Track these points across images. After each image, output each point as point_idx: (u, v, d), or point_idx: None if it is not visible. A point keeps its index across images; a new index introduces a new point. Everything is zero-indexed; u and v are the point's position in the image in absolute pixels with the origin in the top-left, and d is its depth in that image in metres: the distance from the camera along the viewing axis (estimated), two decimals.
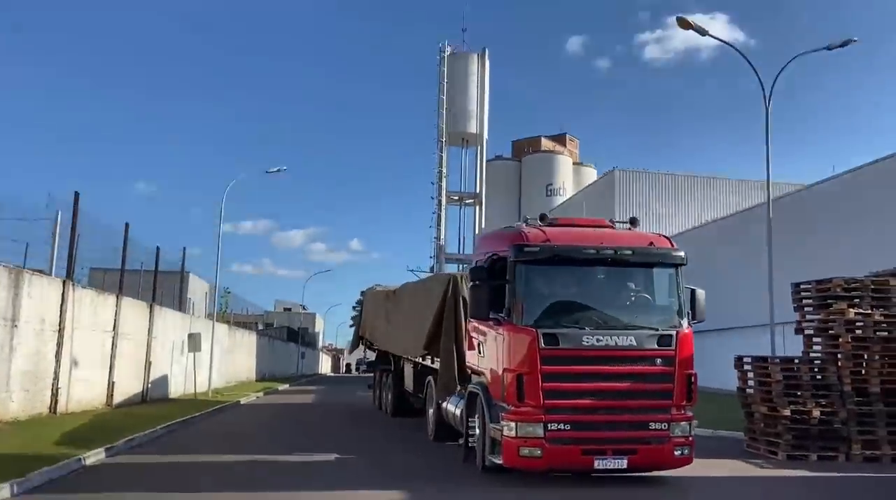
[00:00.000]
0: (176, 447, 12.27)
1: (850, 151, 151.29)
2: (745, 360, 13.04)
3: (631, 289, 9.58)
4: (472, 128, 45.47)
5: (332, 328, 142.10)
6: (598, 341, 8.72)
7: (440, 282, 12.65)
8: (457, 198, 46.22)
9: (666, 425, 8.78)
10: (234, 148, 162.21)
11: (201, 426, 15.94)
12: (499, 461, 8.85)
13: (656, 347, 8.88)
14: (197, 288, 34.72)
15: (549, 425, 8.50)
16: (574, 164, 78.82)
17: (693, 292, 9.48)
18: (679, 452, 8.86)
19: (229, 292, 33.02)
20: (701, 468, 10.65)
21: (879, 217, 22.31)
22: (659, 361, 8.88)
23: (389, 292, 17.99)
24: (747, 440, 12.77)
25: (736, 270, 28.03)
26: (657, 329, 9.00)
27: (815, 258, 22.50)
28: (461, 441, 10.74)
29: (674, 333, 8.97)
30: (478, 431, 9.53)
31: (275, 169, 28.49)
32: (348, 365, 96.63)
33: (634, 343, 8.82)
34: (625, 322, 9.03)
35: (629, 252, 9.16)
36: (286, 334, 50.78)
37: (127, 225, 18.67)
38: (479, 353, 9.98)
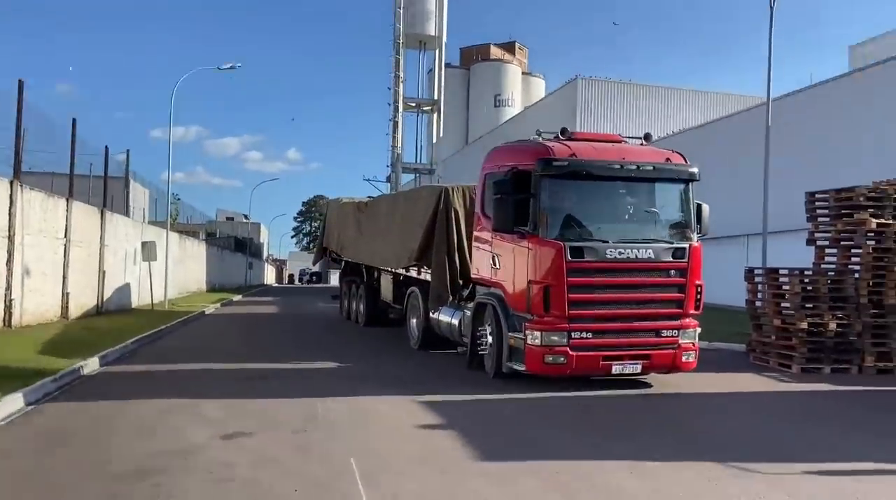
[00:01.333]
0: (164, 358, 11.61)
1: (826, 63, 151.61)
2: (756, 271, 12.63)
3: (648, 203, 9.84)
4: (431, 30, 43.16)
5: (276, 239, 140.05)
6: (619, 254, 9.00)
7: (430, 195, 12.33)
8: (414, 105, 44.29)
9: (676, 332, 9.28)
10: (160, 50, 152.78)
11: (176, 337, 15.10)
12: (520, 367, 9.15)
13: (672, 259, 9.24)
14: (138, 195, 32.60)
15: (572, 333, 8.87)
16: (523, 74, 77.41)
17: (700, 206, 9.73)
18: (686, 357, 9.38)
19: (179, 200, 31.08)
20: (722, 382, 10.44)
21: (850, 127, 22.08)
22: (673, 272, 9.29)
23: (361, 204, 17.67)
24: (753, 354, 12.52)
25: (707, 179, 27.82)
26: (672, 243, 9.37)
27: (787, 167, 22.28)
28: (460, 350, 11.32)
29: (687, 246, 9.34)
30: (490, 339, 9.76)
31: (228, 65, 26.34)
32: (291, 276, 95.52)
33: (653, 256, 9.16)
34: (643, 236, 9.36)
35: (650, 168, 9.38)
36: (234, 244, 49.05)
37: (74, 121, 16.89)
38: (494, 265, 9.91)
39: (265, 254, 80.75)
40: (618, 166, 9.20)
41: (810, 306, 11.54)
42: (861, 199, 11.56)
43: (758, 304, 12.53)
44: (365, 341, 14.79)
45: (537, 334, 8.85)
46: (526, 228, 9.07)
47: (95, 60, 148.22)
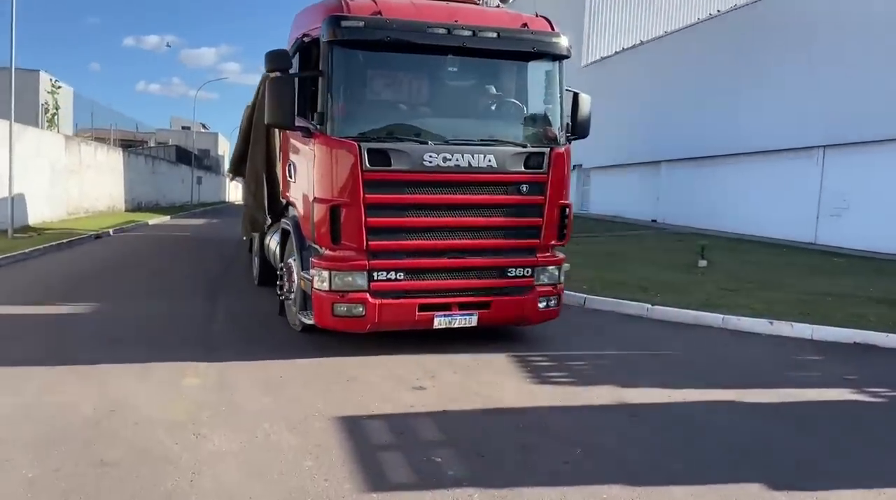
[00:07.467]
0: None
1: None
2: None
3: (493, 89, 7.27)
4: None
5: None
6: (444, 160, 6.47)
7: (260, 85, 9.96)
8: None
9: (530, 270, 7.03)
10: None
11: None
12: (310, 320, 6.81)
13: (523, 169, 6.78)
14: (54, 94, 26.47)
15: (374, 273, 6.52)
16: None
17: (576, 96, 7.25)
18: (544, 304, 7.15)
19: (59, 87, 24.40)
20: None
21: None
22: (525, 188, 6.83)
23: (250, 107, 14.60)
24: None
25: (759, 72, 21.42)
26: (525, 146, 6.86)
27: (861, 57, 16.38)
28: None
29: (546, 151, 6.86)
30: (294, 280, 7.44)
31: None
32: None
33: (494, 164, 6.66)
34: (482, 135, 6.82)
35: (493, 34, 6.60)
36: (175, 155, 42.66)
37: None
38: (290, 177, 7.85)
39: (225, 167, 74.31)
40: (443, 31, 6.47)
41: None
42: None
43: None
44: (226, 275, 12.35)
45: (325, 274, 6.53)
46: (314, 122, 6.60)
47: None
